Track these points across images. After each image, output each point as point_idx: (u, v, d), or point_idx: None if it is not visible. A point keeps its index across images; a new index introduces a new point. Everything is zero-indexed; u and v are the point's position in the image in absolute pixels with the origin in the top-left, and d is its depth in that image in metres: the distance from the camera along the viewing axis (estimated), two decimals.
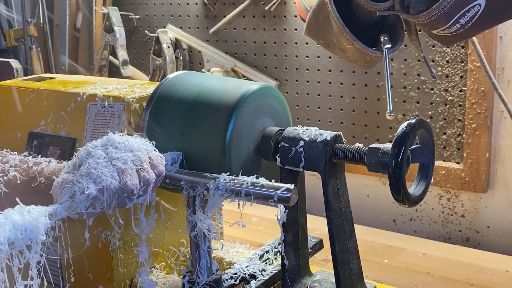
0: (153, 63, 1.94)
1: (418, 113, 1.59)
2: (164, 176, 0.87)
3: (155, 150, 0.88)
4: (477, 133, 1.50)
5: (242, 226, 0.88)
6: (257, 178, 0.84)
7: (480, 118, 1.49)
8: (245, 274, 0.96)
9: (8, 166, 0.95)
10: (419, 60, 1.56)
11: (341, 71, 1.69)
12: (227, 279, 0.94)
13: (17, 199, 0.74)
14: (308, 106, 1.76)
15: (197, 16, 1.92)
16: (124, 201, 0.81)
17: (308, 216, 0.97)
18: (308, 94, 1.76)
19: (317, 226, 1.30)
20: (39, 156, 1.01)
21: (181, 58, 1.96)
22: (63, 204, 0.77)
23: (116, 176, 0.80)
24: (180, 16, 1.97)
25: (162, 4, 2.00)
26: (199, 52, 1.92)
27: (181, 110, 0.93)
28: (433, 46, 1.53)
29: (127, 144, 0.84)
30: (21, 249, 0.71)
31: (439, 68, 1.53)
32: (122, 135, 0.87)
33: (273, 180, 0.82)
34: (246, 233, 1.35)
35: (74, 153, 1.02)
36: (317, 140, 0.87)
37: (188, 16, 1.95)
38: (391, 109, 1.13)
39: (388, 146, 0.82)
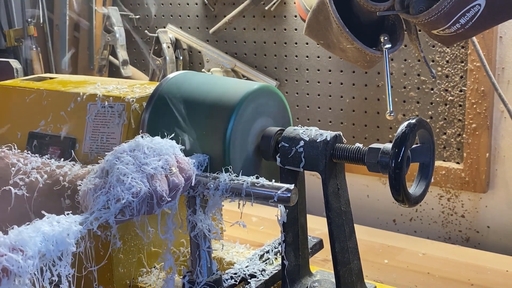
0: (153, 63, 1.94)
1: (418, 113, 1.59)
2: (192, 180, 0.85)
3: (183, 154, 0.86)
4: (477, 133, 1.50)
5: (242, 226, 0.88)
6: (257, 178, 0.84)
7: (480, 118, 1.49)
8: (245, 274, 0.96)
9: (30, 167, 0.94)
10: (419, 60, 1.56)
11: (341, 71, 1.69)
12: (227, 279, 0.94)
13: (43, 211, 0.72)
14: (308, 106, 1.76)
15: (197, 16, 1.92)
16: (153, 207, 0.79)
17: (308, 216, 0.97)
18: (308, 94, 1.76)
19: (317, 226, 1.30)
20: (61, 159, 1.00)
21: (181, 58, 1.96)
22: (97, 213, 0.76)
23: (146, 182, 0.78)
24: (180, 16, 1.97)
25: (162, 4, 2.00)
26: (199, 52, 1.92)
27: (181, 110, 0.93)
28: (433, 46, 1.53)
29: (155, 149, 0.82)
30: (53, 262, 0.69)
31: (439, 68, 1.53)
32: (148, 136, 0.85)
33: (273, 180, 0.82)
34: (246, 233, 1.35)
35: (73, 151, 1.02)
36: (317, 140, 0.87)
37: (188, 16, 1.95)
38: (391, 109, 1.13)
39: (388, 146, 0.82)
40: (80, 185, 0.83)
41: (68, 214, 0.74)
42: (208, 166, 0.90)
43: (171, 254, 0.93)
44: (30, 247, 0.66)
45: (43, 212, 0.72)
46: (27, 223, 0.69)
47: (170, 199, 0.81)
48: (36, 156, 0.99)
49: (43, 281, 0.68)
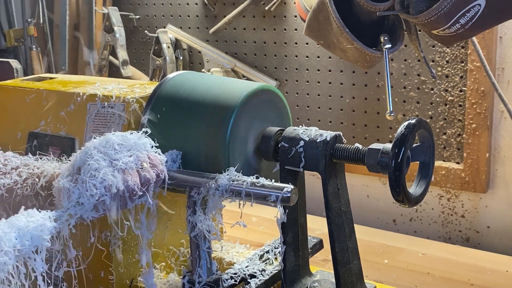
0: (153, 63, 1.94)
1: (418, 113, 1.59)
2: (164, 175, 0.87)
3: (155, 150, 0.88)
4: (477, 133, 1.50)
5: (243, 226, 0.88)
6: (257, 178, 0.84)
7: (480, 118, 1.49)
8: (245, 274, 0.96)
9: (9, 168, 0.95)
10: (419, 60, 1.56)
11: (341, 71, 1.69)
12: (227, 279, 0.94)
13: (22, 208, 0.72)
14: (308, 106, 1.76)
15: (197, 16, 1.92)
16: (126, 201, 0.81)
17: (308, 216, 0.97)
18: (308, 94, 1.76)
19: (317, 226, 1.30)
20: (40, 158, 1.00)
21: (181, 58, 1.96)
22: (71, 209, 0.77)
23: (118, 177, 0.80)
24: (180, 16, 1.97)
25: (162, 4, 2.00)
26: (199, 52, 1.92)
27: (181, 110, 0.93)
28: (433, 46, 1.53)
29: (126, 145, 0.84)
30: (28, 257, 0.69)
31: (439, 68, 1.53)
32: (120, 134, 0.86)
33: (273, 180, 0.82)
34: (246, 233, 1.35)
35: (74, 153, 1.02)
36: (317, 140, 0.87)
37: (188, 16, 1.95)
38: (391, 109, 1.13)
39: (388, 146, 0.82)
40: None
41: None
42: (180, 162, 0.91)
43: (148, 249, 0.94)
44: (5, 242, 0.66)
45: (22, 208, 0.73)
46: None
47: (141, 193, 0.82)
48: (17, 157, 0.99)
49: (19, 278, 0.68)
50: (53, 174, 0.91)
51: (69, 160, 0.86)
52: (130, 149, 0.84)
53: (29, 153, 1.05)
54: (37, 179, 0.91)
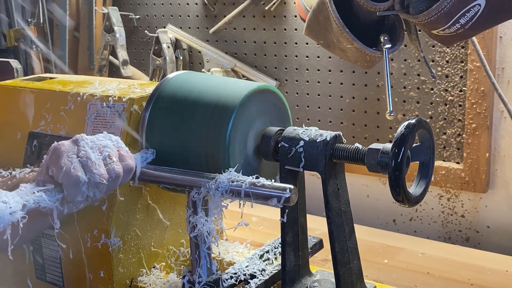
0: (153, 63, 1.94)
1: (418, 113, 1.59)
2: (135, 170, 0.89)
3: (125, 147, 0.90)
4: (477, 133, 1.50)
5: (244, 225, 0.88)
6: (257, 178, 0.84)
7: (480, 118, 1.49)
8: (245, 274, 0.96)
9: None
10: (419, 60, 1.56)
11: (341, 71, 1.69)
12: (227, 279, 0.94)
13: None
14: (308, 106, 1.76)
15: (197, 16, 1.92)
16: (94, 193, 0.82)
17: (308, 216, 0.97)
18: (308, 94, 1.76)
19: (317, 226, 1.29)
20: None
21: (181, 58, 1.96)
22: (36, 197, 0.79)
23: (82, 169, 0.81)
24: (180, 16, 1.97)
25: (162, 4, 2.00)
26: (199, 52, 1.92)
27: (181, 110, 0.93)
28: (433, 46, 1.53)
29: (96, 142, 0.86)
30: None
31: (439, 68, 1.53)
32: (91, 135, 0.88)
33: (273, 180, 0.82)
34: (246, 233, 1.35)
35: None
36: (317, 140, 0.87)
37: (188, 16, 1.95)
38: (391, 109, 1.13)
39: (388, 146, 0.82)
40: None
41: None
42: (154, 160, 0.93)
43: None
44: None
45: None
46: None
47: (111, 186, 0.84)
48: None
49: None
50: (23, 178, 0.93)
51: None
52: (99, 146, 0.85)
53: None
54: (9, 183, 0.93)
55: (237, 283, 0.95)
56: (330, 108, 1.73)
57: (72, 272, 1.03)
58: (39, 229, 0.99)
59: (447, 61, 1.52)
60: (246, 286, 0.94)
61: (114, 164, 0.84)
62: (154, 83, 1.05)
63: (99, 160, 0.83)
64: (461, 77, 1.51)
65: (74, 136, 0.86)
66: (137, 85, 1.08)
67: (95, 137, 0.87)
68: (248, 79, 1.81)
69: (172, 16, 1.98)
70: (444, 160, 1.57)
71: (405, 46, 1.55)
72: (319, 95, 1.74)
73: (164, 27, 1.98)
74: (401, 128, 0.81)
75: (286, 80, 1.79)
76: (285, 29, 1.76)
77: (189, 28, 1.95)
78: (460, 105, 1.52)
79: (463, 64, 1.50)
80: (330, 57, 1.69)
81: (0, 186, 0.93)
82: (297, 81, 1.77)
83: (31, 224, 0.77)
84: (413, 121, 0.82)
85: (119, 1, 2.10)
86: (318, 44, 1.53)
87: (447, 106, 1.54)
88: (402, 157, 0.79)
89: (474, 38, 1.38)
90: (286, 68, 1.78)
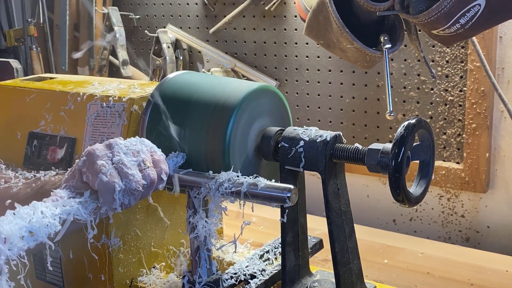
0: (153, 63, 1.94)
1: (418, 113, 1.59)
2: (168, 175, 0.86)
3: (158, 150, 0.87)
4: (477, 133, 1.50)
5: (246, 224, 0.88)
6: (257, 178, 0.84)
7: (480, 118, 1.49)
8: (245, 274, 0.96)
9: (13, 183, 0.95)
10: (419, 60, 1.56)
11: (341, 71, 1.69)
12: (227, 279, 0.94)
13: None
14: (308, 106, 1.76)
15: (197, 16, 1.92)
16: (129, 201, 0.80)
17: (308, 216, 0.97)
18: (308, 94, 1.76)
19: (317, 226, 1.29)
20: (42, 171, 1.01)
21: (181, 58, 1.96)
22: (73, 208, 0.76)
23: (117, 175, 0.79)
24: (180, 16, 1.97)
25: (162, 4, 2.00)
26: (199, 52, 1.92)
27: (181, 110, 0.93)
28: (433, 46, 1.53)
29: (130, 147, 0.83)
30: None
31: (439, 68, 1.53)
32: (121, 138, 0.86)
33: (273, 180, 0.82)
34: (246, 233, 1.34)
35: (74, 154, 1.02)
36: (317, 140, 0.87)
37: (188, 16, 1.95)
38: (391, 109, 1.13)
39: (388, 146, 0.82)
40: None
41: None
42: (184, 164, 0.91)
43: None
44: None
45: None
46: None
47: (146, 192, 0.82)
48: (14, 173, 1.00)
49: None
50: (56, 181, 0.90)
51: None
52: (133, 150, 0.83)
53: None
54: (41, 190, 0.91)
55: (237, 283, 0.95)
56: (330, 108, 1.73)
57: (72, 272, 1.03)
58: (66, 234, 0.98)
59: (447, 61, 1.52)
60: (246, 286, 0.94)
61: (149, 170, 0.82)
62: (154, 83, 1.05)
63: (134, 166, 0.81)
64: (461, 77, 1.51)
65: (108, 140, 0.84)
66: (137, 85, 1.08)
67: (128, 141, 0.84)
68: (248, 79, 1.81)
69: (172, 16, 1.98)
70: (444, 160, 1.57)
71: (405, 46, 1.55)
72: (319, 95, 1.74)
73: (164, 27, 1.98)
74: (401, 129, 0.81)
75: (286, 80, 1.79)
76: (285, 29, 1.76)
77: (189, 28, 1.95)
78: (460, 105, 1.52)
79: (463, 64, 1.50)
80: (330, 57, 1.69)
81: (24, 188, 0.92)
82: (297, 81, 1.77)
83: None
84: (413, 121, 0.82)
85: (119, 1, 2.10)
86: (318, 44, 1.53)
87: (447, 106, 1.54)
88: (402, 158, 0.79)
89: (474, 38, 1.38)
90: (286, 68, 1.78)
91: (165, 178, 0.85)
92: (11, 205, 0.91)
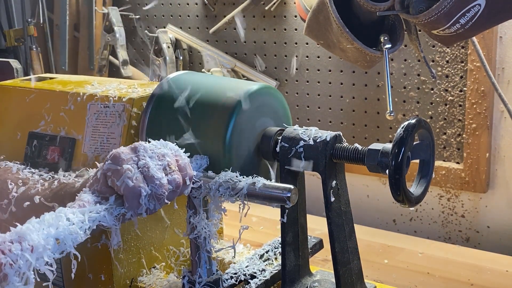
0: (153, 63, 1.94)
1: (418, 113, 1.59)
2: (192, 179, 0.84)
3: (183, 154, 0.86)
4: (477, 133, 1.50)
5: (244, 228, 0.88)
6: (256, 178, 0.83)
7: (480, 118, 1.49)
8: (245, 274, 0.96)
9: (31, 185, 0.94)
10: (419, 60, 1.56)
11: (341, 71, 1.69)
12: (227, 279, 0.94)
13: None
14: (308, 106, 1.76)
15: (197, 16, 1.92)
16: (154, 206, 0.78)
17: (308, 216, 0.97)
18: (308, 94, 1.76)
19: (317, 226, 1.29)
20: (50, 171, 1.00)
21: (181, 58, 1.96)
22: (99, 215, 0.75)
23: (143, 180, 0.77)
24: (180, 16, 1.97)
25: (162, 4, 2.00)
26: (199, 52, 1.92)
27: (181, 110, 0.93)
28: (433, 46, 1.53)
29: (155, 150, 0.81)
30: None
31: (439, 68, 1.53)
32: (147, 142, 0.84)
33: (273, 180, 0.82)
34: (246, 233, 1.34)
35: (73, 152, 1.02)
36: (317, 140, 0.87)
37: (188, 16, 1.95)
38: (391, 109, 1.13)
39: (388, 146, 0.82)
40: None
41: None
42: (208, 167, 0.89)
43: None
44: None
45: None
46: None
47: (171, 196, 0.80)
48: (31, 173, 0.99)
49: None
50: (79, 186, 0.89)
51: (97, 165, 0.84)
52: (158, 154, 0.81)
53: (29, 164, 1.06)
54: (62, 193, 0.90)
55: (237, 283, 0.95)
56: (330, 108, 1.73)
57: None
58: None
59: (447, 61, 1.52)
60: (246, 286, 0.94)
61: (175, 174, 0.80)
62: (154, 83, 1.05)
63: (160, 170, 0.79)
64: (461, 77, 1.51)
65: (133, 144, 0.82)
66: (137, 85, 1.08)
67: (153, 144, 0.82)
68: (248, 79, 1.81)
69: (172, 16, 1.98)
70: (444, 160, 1.57)
71: (405, 46, 1.55)
72: (319, 95, 1.74)
73: (164, 27, 1.98)
74: (400, 129, 0.81)
75: (286, 80, 1.79)
76: (285, 29, 1.76)
77: (189, 28, 1.95)
78: (460, 105, 1.52)
79: (463, 64, 1.50)
80: (330, 57, 1.69)
81: (42, 190, 0.92)
82: (297, 81, 1.77)
83: None
84: (413, 121, 0.82)
85: (119, 1, 2.10)
86: (318, 44, 1.53)
87: (447, 106, 1.54)
88: (402, 158, 0.79)
89: (474, 38, 1.38)
90: (286, 68, 1.78)
91: (190, 182, 0.83)
92: (31, 208, 0.91)
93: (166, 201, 0.79)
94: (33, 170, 1.02)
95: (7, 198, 0.94)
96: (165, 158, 0.81)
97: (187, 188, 0.83)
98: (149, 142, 0.84)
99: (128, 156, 0.79)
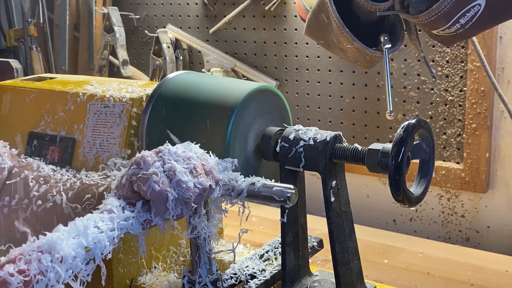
0: (153, 63, 1.94)
1: (418, 113, 1.59)
2: (218, 183, 0.82)
3: (209, 157, 0.84)
4: (477, 133, 1.50)
5: (244, 232, 0.88)
6: (256, 178, 0.83)
7: (480, 118, 1.49)
8: (245, 274, 0.96)
9: (53, 183, 0.93)
10: (419, 60, 1.56)
11: (341, 71, 1.69)
12: (227, 279, 0.94)
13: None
14: (308, 106, 1.76)
15: (197, 16, 1.92)
16: (181, 211, 0.77)
17: (308, 216, 0.97)
18: (308, 94, 1.76)
19: (317, 226, 1.30)
20: (73, 171, 0.99)
21: (181, 58, 1.96)
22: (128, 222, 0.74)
23: (170, 184, 0.76)
24: (180, 16, 1.97)
25: (162, 4, 2.00)
26: (199, 52, 1.92)
27: (181, 110, 0.93)
28: (433, 46, 1.53)
29: (180, 153, 0.80)
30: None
31: (439, 68, 1.53)
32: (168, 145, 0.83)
33: (273, 180, 0.82)
34: (246, 233, 1.34)
35: (73, 152, 1.02)
36: (317, 140, 0.87)
37: (188, 16, 1.95)
38: (391, 109, 1.13)
39: (388, 146, 0.82)
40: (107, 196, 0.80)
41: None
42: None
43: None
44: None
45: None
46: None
47: (198, 200, 0.78)
48: (53, 171, 0.98)
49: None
50: (106, 187, 0.88)
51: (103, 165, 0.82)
52: (184, 157, 0.79)
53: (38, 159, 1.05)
54: (85, 193, 0.88)
55: (237, 283, 0.95)
56: (330, 108, 1.73)
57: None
58: None
59: (447, 61, 1.52)
60: (246, 286, 0.94)
61: (201, 177, 0.78)
62: (154, 83, 1.05)
63: (186, 173, 0.77)
64: (461, 77, 1.51)
65: (157, 148, 0.80)
66: (137, 85, 1.07)
67: (177, 147, 0.81)
68: (248, 79, 1.81)
69: (172, 16, 1.98)
70: (444, 160, 1.57)
71: (405, 46, 1.55)
72: (319, 95, 1.74)
73: (164, 27, 1.98)
74: (400, 129, 0.81)
75: (286, 80, 1.79)
76: (285, 29, 1.76)
77: (189, 28, 1.95)
78: (460, 105, 1.52)
79: (463, 64, 1.50)
80: (330, 57, 1.69)
81: (64, 190, 0.90)
82: (297, 81, 1.77)
83: None
84: (413, 121, 0.82)
85: (119, 1, 2.10)
86: (318, 44, 1.53)
87: (447, 106, 1.54)
88: (402, 158, 0.79)
89: (474, 38, 1.38)
90: (286, 68, 1.78)
91: (216, 185, 0.81)
92: (53, 207, 0.90)
93: (193, 205, 0.77)
94: (54, 167, 1.00)
95: (28, 196, 0.93)
96: (191, 161, 0.79)
97: (213, 192, 0.81)
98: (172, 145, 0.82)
99: (153, 160, 0.77)
